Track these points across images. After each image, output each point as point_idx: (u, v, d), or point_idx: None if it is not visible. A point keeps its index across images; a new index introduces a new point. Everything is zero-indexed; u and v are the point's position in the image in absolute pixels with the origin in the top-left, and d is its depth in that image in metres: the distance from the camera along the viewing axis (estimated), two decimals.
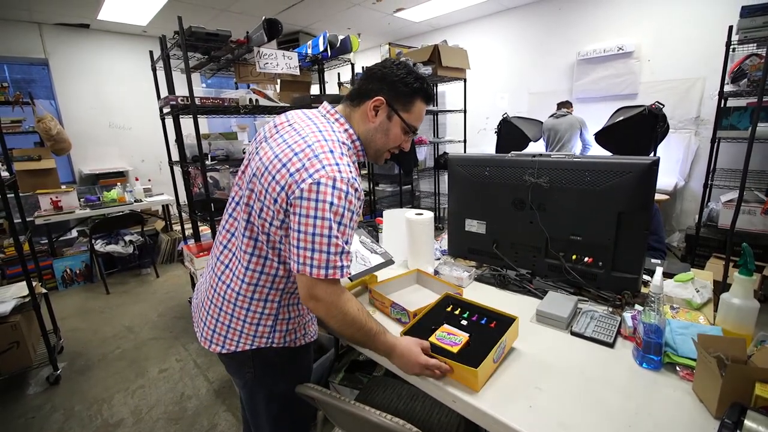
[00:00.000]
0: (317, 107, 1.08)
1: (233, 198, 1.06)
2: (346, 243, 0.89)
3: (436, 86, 4.81)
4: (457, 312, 1.16)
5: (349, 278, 1.41)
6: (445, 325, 1.07)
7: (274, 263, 0.98)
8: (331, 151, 0.91)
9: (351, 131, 1.02)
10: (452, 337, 1.02)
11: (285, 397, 1.10)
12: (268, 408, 1.11)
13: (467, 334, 1.03)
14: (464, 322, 1.10)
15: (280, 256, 0.98)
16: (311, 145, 0.91)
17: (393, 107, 1.01)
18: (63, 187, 3.90)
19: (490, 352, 0.93)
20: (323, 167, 0.87)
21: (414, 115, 1.04)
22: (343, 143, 0.97)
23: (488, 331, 1.05)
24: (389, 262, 1.51)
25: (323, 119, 1.02)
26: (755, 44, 2.83)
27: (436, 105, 4.89)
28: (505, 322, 1.07)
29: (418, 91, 1.01)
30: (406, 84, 0.99)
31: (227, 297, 1.02)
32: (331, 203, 0.85)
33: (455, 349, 0.98)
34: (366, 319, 0.95)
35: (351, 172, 0.91)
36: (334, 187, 0.86)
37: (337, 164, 0.89)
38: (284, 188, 0.89)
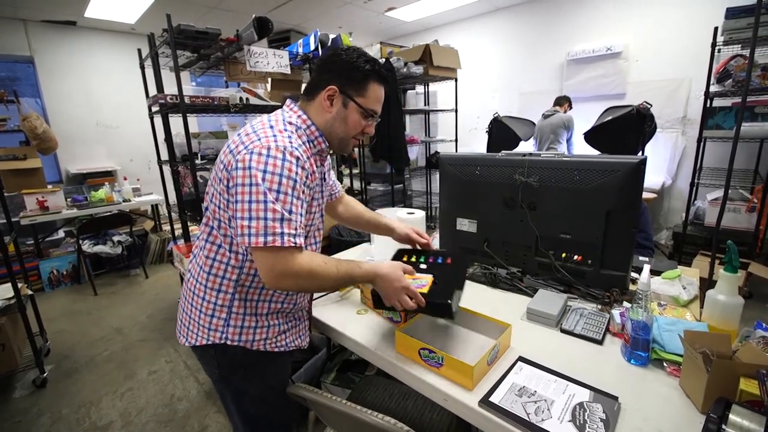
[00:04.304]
0: None
1: None
2: (289, 212, 0.87)
3: (428, 86, 4.83)
4: (413, 259, 1.19)
5: None
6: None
7: (226, 252, 0.98)
8: (271, 127, 0.94)
9: (305, 117, 1.01)
10: (418, 280, 1.05)
11: (256, 400, 1.09)
12: (239, 409, 1.10)
13: (430, 275, 1.06)
14: (423, 266, 1.14)
15: (231, 244, 0.97)
16: (253, 125, 0.96)
17: (347, 94, 0.99)
18: (49, 186, 3.84)
19: (484, 354, 0.93)
20: (259, 139, 0.90)
21: (370, 99, 1.01)
22: (291, 123, 0.99)
23: (447, 267, 1.11)
24: None
25: (280, 112, 1.03)
26: (740, 45, 2.88)
27: (428, 104, 4.90)
28: (458, 257, 1.12)
29: (370, 74, 0.99)
30: (357, 68, 0.98)
31: (189, 286, 1.05)
32: (264, 170, 0.86)
33: (425, 290, 1.01)
34: (336, 265, 0.94)
35: (291, 142, 0.91)
36: (268, 156, 0.87)
37: (274, 136, 0.91)
38: (225, 166, 0.92)
